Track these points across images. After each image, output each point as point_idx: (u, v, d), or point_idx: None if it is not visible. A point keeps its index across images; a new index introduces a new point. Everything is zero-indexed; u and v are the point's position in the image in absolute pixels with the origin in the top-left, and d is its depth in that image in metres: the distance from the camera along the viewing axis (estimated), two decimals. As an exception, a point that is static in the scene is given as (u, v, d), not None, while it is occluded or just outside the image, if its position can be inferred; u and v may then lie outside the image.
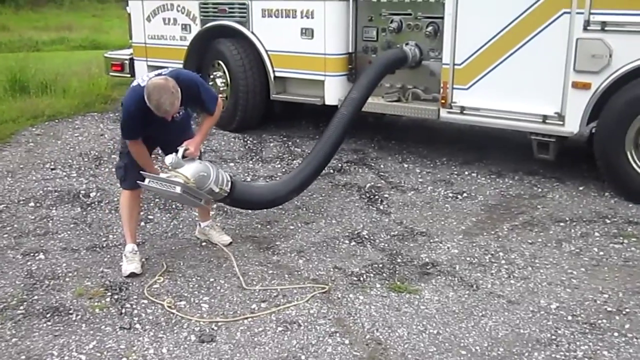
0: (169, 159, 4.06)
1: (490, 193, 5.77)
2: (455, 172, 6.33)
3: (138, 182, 4.16)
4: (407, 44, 6.57)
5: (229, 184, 4.42)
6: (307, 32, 6.95)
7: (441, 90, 6.25)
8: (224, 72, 7.61)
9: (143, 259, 4.44)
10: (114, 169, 5.07)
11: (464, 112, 6.16)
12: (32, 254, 4.62)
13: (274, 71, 7.30)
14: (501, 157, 6.63)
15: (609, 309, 3.79)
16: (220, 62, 7.63)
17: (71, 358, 3.40)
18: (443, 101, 6.26)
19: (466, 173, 6.30)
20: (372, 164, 6.64)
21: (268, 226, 5.09)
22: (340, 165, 6.54)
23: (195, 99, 4.24)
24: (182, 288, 4.10)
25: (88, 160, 6.66)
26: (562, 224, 5.07)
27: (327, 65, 6.93)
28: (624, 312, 3.75)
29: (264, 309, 3.84)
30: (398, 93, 6.74)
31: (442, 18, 6.14)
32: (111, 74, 9.07)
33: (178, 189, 3.99)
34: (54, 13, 27.50)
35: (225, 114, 7.62)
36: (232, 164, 6.62)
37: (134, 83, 4.19)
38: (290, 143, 7.35)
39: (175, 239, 4.88)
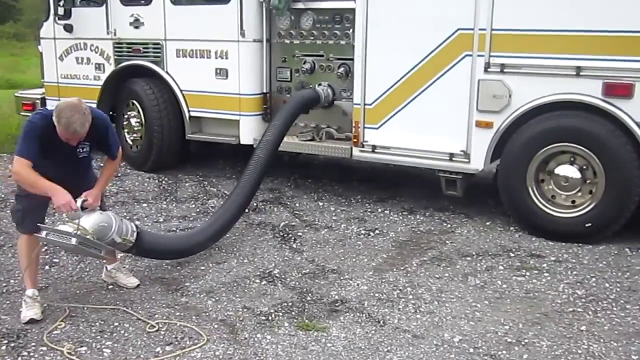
0: None
1: (402, 229, 5.89)
2: (369, 210, 6.44)
3: (35, 234, 4.04)
4: (320, 85, 6.71)
5: (134, 234, 4.35)
6: (222, 72, 7.00)
7: (353, 129, 6.39)
8: (139, 112, 7.55)
9: (45, 304, 4.28)
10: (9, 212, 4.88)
11: (376, 150, 6.31)
12: None
13: (189, 111, 7.30)
14: (414, 194, 6.80)
15: (509, 340, 3.90)
16: (135, 101, 7.58)
17: (-40, 411, 3.23)
18: (355, 140, 6.40)
19: (379, 210, 6.41)
20: (288, 203, 6.68)
21: (178, 267, 5.02)
22: (255, 204, 6.55)
23: (102, 137, 4.18)
24: (84, 333, 3.97)
25: (-7, 203, 6.43)
26: (468, 258, 5.21)
27: (242, 105, 6.99)
28: (523, 343, 3.87)
29: (168, 352, 3.76)
30: (312, 132, 6.84)
31: (353, 59, 6.31)
32: (22, 113, 8.84)
33: (73, 241, 3.88)
34: (-30, 52, 26.67)
35: (139, 154, 7.61)
36: (145, 205, 6.52)
37: (43, 108, 4.08)
38: (206, 183, 7.32)
39: (80, 282, 4.74)
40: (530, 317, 4.21)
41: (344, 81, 6.62)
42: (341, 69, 6.60)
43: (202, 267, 5.03)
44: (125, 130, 7.76)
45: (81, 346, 3.82)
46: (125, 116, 7.70)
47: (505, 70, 5.58)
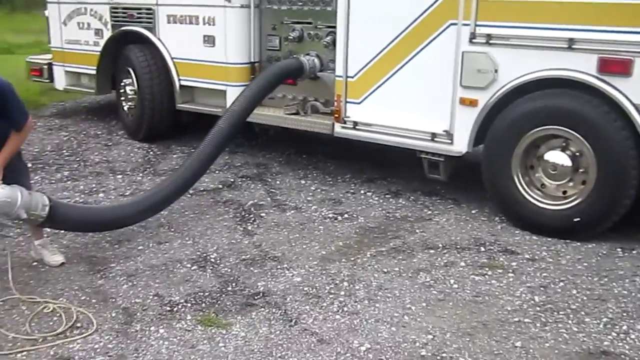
0: None
1: (375, 214, 5.40)
2: (352, 191, 5.97)
3: None
4: (307, 54, 6.23)
5: (46, 207, 4.10)
6: (209, 40, 6.65)
7: (335, 103, 5.91)
8: (133, 80, 7.30)
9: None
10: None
11: (357, 127, 5.82)
12: None
13: (179, 79, 7.00)
14: (408, 175, 6.25)
15: (423, 353, 3.41)
16: (130, 69, 7.33)
17: None
18: (337, 115, 5.91)
19: (362, 191, 5.94)
20: (269, 180, 6.29)
21: (116, 245, 4.75)
22: (233, 180, 6.22)
23: (2, 107, 3.91)
24: (-24, 315, 3.78)
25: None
26: (432, 251, 4.69)
27: (229, 74, 6.61)
28: (438, 357, 3.36)
29: (48, 342, 3.50)
30: (297, 106, 6.39)
31: (337, 27, 5.81)
32: (32, 79, 8.82)
33: None
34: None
35: (133, 123, 7.40)
36: (119, 177, 6.30)
37: None
38: (195, 155, 7.01)
39: (3, 259, 4.52)
40: (465, 325, 3.68)
41: (331, 51, 6.10)
42: (328, 38, 6.09)
43: (141, 247, 4.74)
44: (122, 99, 7.56)
45: (-35, 329, 3.63)
46: (122, 84, 7.49)
47: (491, 41, 4.94)
